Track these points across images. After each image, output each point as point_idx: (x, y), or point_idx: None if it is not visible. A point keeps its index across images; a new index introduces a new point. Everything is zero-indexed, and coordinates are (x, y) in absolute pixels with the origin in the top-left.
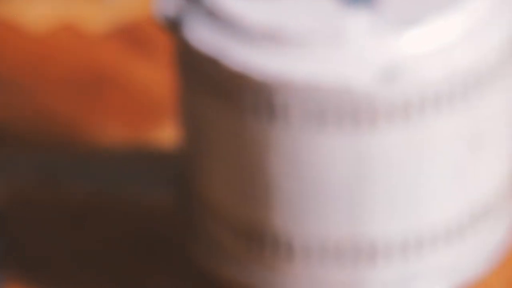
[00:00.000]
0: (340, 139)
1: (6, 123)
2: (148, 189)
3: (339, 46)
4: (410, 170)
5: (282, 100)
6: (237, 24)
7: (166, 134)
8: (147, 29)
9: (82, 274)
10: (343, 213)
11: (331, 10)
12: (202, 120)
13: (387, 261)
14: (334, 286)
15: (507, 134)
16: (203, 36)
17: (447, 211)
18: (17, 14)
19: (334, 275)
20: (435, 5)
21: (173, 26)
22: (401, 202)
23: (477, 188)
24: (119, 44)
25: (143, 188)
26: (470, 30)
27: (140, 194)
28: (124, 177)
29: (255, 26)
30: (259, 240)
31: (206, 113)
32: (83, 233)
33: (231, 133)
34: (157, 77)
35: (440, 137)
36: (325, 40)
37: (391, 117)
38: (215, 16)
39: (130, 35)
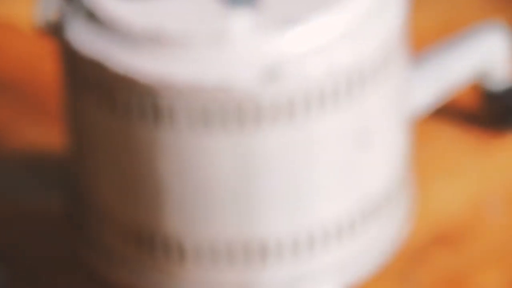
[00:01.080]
0: (225, 139)
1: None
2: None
3: (221, 46)
4: (297, 168)
5: (167, 102)
6: (119, 27)
7: None
8: None
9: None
10: (233, 213)
11: (213, 10)
12: (89, 124)
13: (278, 261)
14: (225, 287)
15: (395, 130)
16: (85, 40)
17: (337, 208)
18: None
19: (226, 276)
20: (317, 4)
21: (55, 30)
22: (289, 201)
23: (366, 185)
24: None
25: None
26: (353, 27)
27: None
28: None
29: (138, 29)
30: (150, 243)
31: (92, 117)
32: None
33: (117, 136)
34: None
35: (326, 134)
36: (208, 40)
37: (276, 116)
38: (97, 19)
39: None
